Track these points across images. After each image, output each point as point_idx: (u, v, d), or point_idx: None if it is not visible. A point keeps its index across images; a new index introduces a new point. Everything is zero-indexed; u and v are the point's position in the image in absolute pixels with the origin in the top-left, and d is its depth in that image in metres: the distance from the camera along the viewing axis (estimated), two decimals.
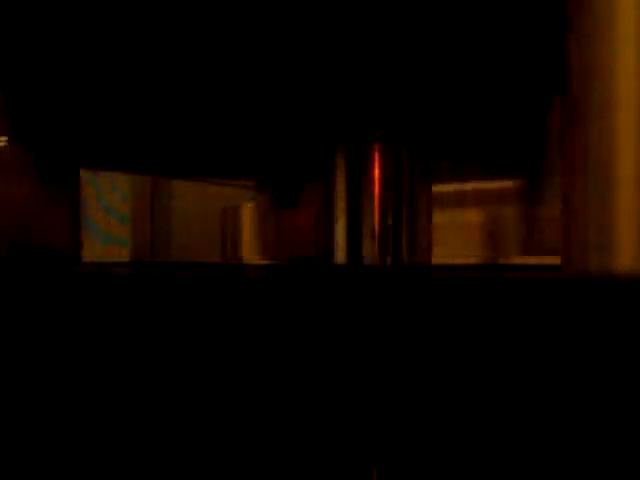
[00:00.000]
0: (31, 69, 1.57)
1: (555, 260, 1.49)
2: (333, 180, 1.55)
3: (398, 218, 1.52)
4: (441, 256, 1.58)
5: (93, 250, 1.65)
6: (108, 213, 1.66)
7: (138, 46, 1.58)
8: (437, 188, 1.60)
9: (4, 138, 1.57)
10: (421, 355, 1.25)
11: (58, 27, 1.52)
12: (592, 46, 1.17)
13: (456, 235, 1.60)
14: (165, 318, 1.33)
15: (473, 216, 1.58)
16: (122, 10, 1.53)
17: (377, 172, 1.52)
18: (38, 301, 1.36)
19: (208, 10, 1.60)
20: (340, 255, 1.54)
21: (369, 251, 1.52)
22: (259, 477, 1.29)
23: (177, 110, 1.66)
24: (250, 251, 1.61)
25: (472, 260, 1.56)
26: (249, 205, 1.63)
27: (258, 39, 1.61)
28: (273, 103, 1.66)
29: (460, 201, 1.61)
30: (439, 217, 1.59)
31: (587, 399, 1.14)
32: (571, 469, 1.15)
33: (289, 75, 1.64)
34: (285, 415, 1.30)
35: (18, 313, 1.36)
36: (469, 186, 1.61)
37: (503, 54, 1.54)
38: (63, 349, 1.35)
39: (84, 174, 1.65)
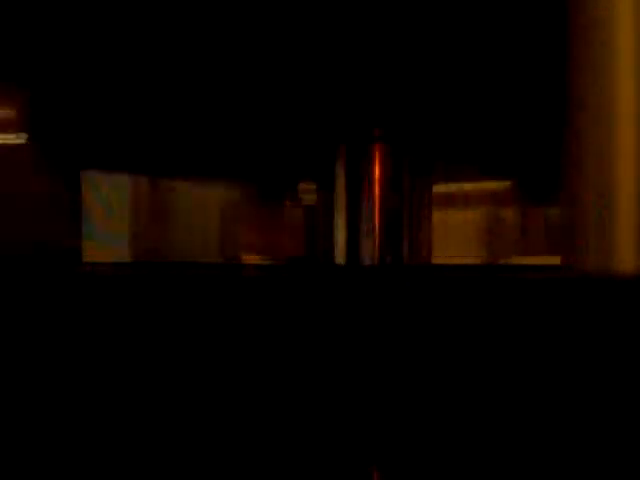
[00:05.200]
0: (53, 67, 1.58)
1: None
2: (333, 180, 1.55)
3: (398, 218, 1.52)
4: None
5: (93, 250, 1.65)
6: (108, 213, 1.66)
7: (139, 49, 1.58)
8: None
9: (23, 135, 1.57)
10: (421, 355, 1.25)
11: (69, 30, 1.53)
12: (592, 53, 1.17)
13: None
14: (166, 318, 1.33)
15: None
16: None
17: (377, 172, 1.52)
18: (38, 301, 1.36)
19: (206, 10, 1.60)
20: (339, 255, 1.54)
21: (369, 251, 1.52)
22: (259, 477, 1.28)
23: (176, 111, 1.66)
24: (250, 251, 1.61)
25: (472, 260, 1.56)
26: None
27: (257, 38, 1.61)
28: (273, 102, 1.66)
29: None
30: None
31: (587, 399, 1.14)
32: (571, 468, 1.15)
33: (288, 75, 1.64)
34: (285, 415, 1.30)
35: (18, 313, 1.36)
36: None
37: (503, 55, 1.54)
38: (63, 349, 1.35)
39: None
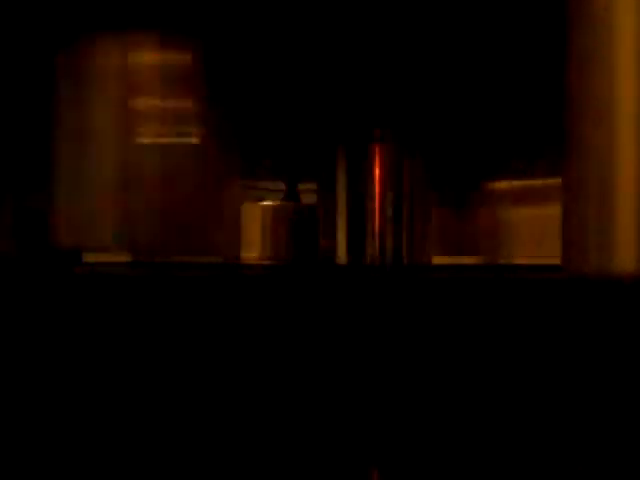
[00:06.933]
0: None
1: None
2: (333, 180, 1.55)
3: (398, 218, 1.52)
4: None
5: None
6: None
7: None
8: None
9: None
10: (421, 355, 1.25)
11: None
12: (592, 49, 1.17)
13: None
14: (166, 318, 1.33)
15: None
16: None
17: (377, 172, 1.52)
18: (38, 300, 1.36)
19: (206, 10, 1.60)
20: (340, 255, 1.54)
21: (369, 251, 1.52)
22: (258, 477, 1.28)
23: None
24: (250, 251, 1.61)
25: (472, 260, 1.56)
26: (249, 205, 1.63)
27: (257, 38, 1.61)
28: (272, 101, 1.66)
29: None
30: None
31: (587, 399, 1.14)
32: (571, 469, 1.15)
33: (288, 75, 1.64)
34: (285, 415, 1.30)
35: (18, 313, 1.36)
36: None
37: (504, 54, 1.54)
38: (63, 349, 1.35)
39: None
